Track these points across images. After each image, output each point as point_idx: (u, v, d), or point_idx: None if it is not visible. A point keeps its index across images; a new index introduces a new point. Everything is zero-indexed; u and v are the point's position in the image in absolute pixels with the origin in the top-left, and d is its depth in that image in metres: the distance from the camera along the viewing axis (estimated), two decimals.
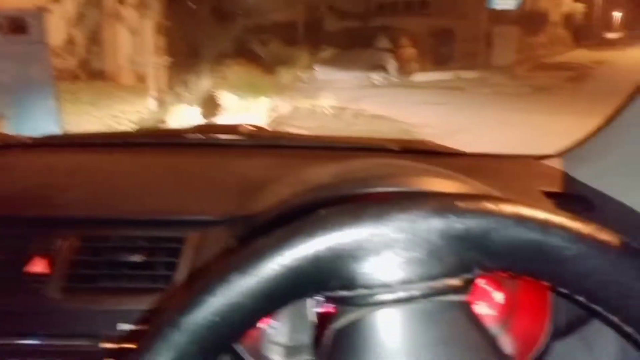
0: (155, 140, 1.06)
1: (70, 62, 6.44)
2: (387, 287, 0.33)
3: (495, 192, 0.60)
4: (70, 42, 6.43)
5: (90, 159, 0.96)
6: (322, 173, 0.64)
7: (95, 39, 6.60)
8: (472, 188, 0.54)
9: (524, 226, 0.32)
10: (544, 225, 0.32)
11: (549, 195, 0.77)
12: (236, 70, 6.08)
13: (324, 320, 0.59)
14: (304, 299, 0.35)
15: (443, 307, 0.34)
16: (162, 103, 7.14)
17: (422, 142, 1.15)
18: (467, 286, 0.34)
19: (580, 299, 0.34)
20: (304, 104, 6.38)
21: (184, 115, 6.12)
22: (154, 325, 0.33)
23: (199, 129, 1.14)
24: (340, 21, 16.15)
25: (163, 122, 5.95)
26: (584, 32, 24.16)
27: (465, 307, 0.35)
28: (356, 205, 0.33)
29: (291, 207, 0.56)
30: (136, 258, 0.68)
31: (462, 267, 0.33)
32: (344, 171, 0.61)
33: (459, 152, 1.05)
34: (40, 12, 4.56)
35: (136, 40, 7.02)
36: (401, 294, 0.33)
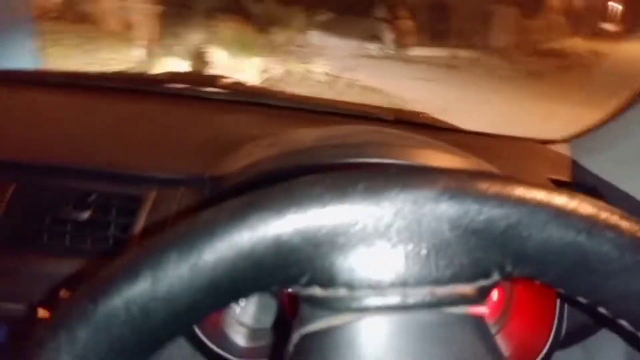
0: (123, 85, 0.95)
1: (56, 1, 6.14)
2: (375, 288, 0.24)
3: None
4: None
5: (46, 99, 0.86)
6: (306, 136, 0.55)
7: None
8: (488, 169, 0.46)
9: (566, 224, 0.24)
10: (593, 225, 0.24)
11: (557, 183, 0.69)
12: (229, 27, 5.86)
13: (290, 308, 0.51)
14: (264, 292, 0.27)
15: (448, 322, 0.25)
16: (151, 54, 6.88)
17: (418, 114, 1.06)
18: (482, 296, 0.26)
19: (624, 323, 0.26)
20: (297, 68, 6.20)
21: (172, 68, 5.91)
22: (72, 299, 0.25)
23: (174, 76, 1.03)
24: None
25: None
26: (582, 20, 24.03)
27: (479, 324, 0.26)
28: (342, 175, 0.25)
29: (263, 172, 0.47)
30: (84, 215, 0.59)
31: (477, 271, 0.25)
32: (331, 135, 0.52)
33: (457, 128, 0.97)
34: None
35: None
36: (393, 300, 0.24)
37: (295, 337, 0.27)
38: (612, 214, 0.25)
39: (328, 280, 0.24)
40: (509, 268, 0.25)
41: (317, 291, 0.25)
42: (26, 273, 0.58)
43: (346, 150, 0.44)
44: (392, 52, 12.23)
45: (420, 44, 12.99)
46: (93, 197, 0.60)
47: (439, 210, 0.24)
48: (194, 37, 7.08)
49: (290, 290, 0.26)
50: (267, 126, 0.90)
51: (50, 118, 0.78)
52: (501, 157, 0.80)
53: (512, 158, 0.81)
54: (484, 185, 0.24)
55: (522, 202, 0.24)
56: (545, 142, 0.88)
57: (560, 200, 0.24)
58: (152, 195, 0.59)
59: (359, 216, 0.24)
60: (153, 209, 0.58)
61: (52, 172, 0.62)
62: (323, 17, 7.86)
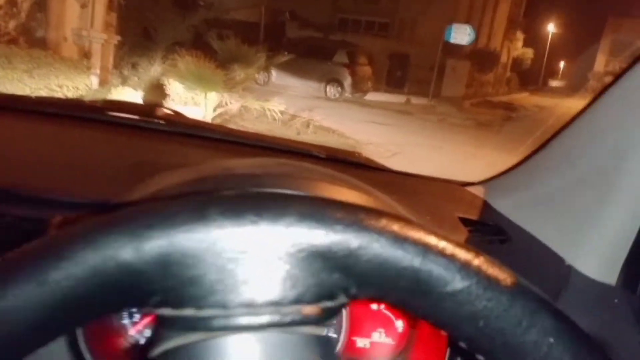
0: (58, 110, 0.94)
1: (10, 25, 6.00)
2: (223, 308, 0.25)
3: (400, 210, 0.55)
4: (12, 3, 6.00)
5: None
6: (216, 165, 0.56)
7: (40, 4, 6.19)
8: (374, 202, 0.48)
9: (403, 249, 0.26)
10: (427, 251, 0.26)
11: (466, 222, 0.73)
12: (188, 61, 5.86)
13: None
14: (119, 312, 0.27)
15: (293, 341, 0.26)
16: (104, 82, 6.79)
17: (351, 152, 1.09)
18: (327, 316, 0.27)
19: (463, 345, 0.28)
20: (254, 105, 6.25)
21: (125, 98, 5.83)
22: None
23: (114, 105, 1.03)
24: (302, 29, 16.20)
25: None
26: (530, 76, 25.50)
27: (324, 344, 0.28)
28: (197, 198, 0.26)
29: (155, 197, 0.47)
30: None
31: (322, 292, 0.26)
32: (239, 165, 0.54)
33: (385, 169, 1.01)
34: None
35: (85, 12, 6.66)
36: (240, 320, 0.25)
37: (149, 356, 0.28)
38: (446, 241, 0.27)
39: (177, 301, 0.25)
40: (353, 290, 0.26)
41: (167, 311, 0.25)
42: None
43: (244, 179, 0.46)
44: (349, 95, 12.57)
45: (377, 89, 13.44)
46: (5, 219, 0.59)
47: (288, 233, 0.25)
48: (152, 68, 7.06)
49: (143, 310, 0.26)
50: (197, 157, 0.90)
51: None
52: (418, 196, 0.83)
53: (429, 197, 0.85)
54: (330, 212, 0.26)
55: (363, 228, 0.26)
56: (464, 184, 0.93)
57: (398, 227, 0.26)
58: (57, 218, 0.58)
59: (211, 238, 0.25)
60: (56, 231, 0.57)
61: None
62: (284, 58, 8.01)
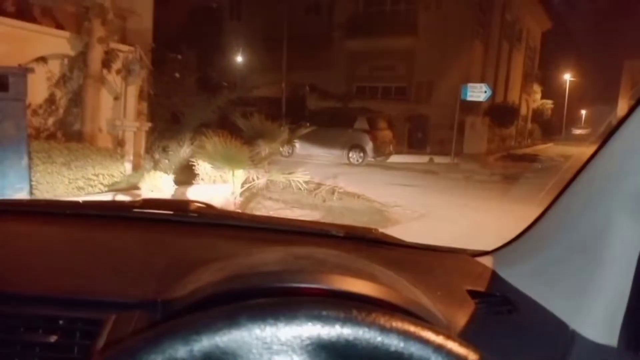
0: (98, 212, 1.06)
1: (49, 122, 6.46)
2: None
3: (409, 289, 0.62)
4: (51, 102, 6.49)
5: (20, 228, 0.95)
6: (246, 261, 0.65)
7: (76, 100, 6.67)
8: (383, 288, 0.56)
9: (387, 337, 0.34)
10: (406, 337, 0.34)
11: (473, 294, 0.78)
12: (215, 141, 6.14)
13: None
14: None
15: None
16: (137, 167, 7.15)
17: (368, 230, 1.17)
18: None
19: None
20: (280, 178, 6.45)
21: (158, 182, 6.10)
22: None
23: (146, 203, 1.14)
24: (321, 101, 16.83)
25: (136, 187, 5.92)
26: (553, 127, 25.51)
27: None
28: (230, 308, 0.35)
29: (205, 297, 0.56)
30: (51, 339, 0.66)
31: None
32: (260, 262, 0.63)
33: (400, 244, 1.08)
34: (23, 71, 4.64)
35: (117, 104, 7.13)
36: None
37: None
38: (422, 328, 0.34)
39: None
40: None
41: None
42: None
43: (267, 277, 0.55)
44: (372, 159, 12.82)
45: (399, 151, 13.67)
46: (61, 322, 0.67)
47: (299, 331, 0.34)
48: (181, 150, 7.42)
49: None
50: (227, 247, 1.00)
51: (24, 248, 0.87)
52: (429, 270, 0.90)
53: (440, 271, 0.91)
54: (331, 312, 0.34)
55: (356, 324, 0.34)
56: (475, 254, 0.99)
57: (384, 320, 0.34)
58: (112, 318, 0.66)
59: (242, 339, 0.33)
60: (112, 331, 0.65)
61: (25, 300, 0.70)
62: (307, 130, 8.30)
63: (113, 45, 6.80)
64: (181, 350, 0.33)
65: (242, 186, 6.14)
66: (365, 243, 1.07)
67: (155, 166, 7.26)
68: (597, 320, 0.69)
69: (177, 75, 8.82)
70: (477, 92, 13.39)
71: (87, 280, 0.76)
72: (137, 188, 5.84)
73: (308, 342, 0.33)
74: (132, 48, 7.13)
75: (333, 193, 7.32)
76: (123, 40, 7.20)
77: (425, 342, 0.34)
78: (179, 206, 1.15)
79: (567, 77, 26.82)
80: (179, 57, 9.09)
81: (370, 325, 0.34)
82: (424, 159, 13.48)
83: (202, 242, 0.97)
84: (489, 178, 10.89)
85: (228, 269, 0.62)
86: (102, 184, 5.92)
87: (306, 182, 6.42)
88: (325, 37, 18.29)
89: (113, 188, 5.76)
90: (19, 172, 4.60)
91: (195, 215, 1.10)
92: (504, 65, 19.50)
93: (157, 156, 7.67)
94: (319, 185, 7.43)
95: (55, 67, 6.44)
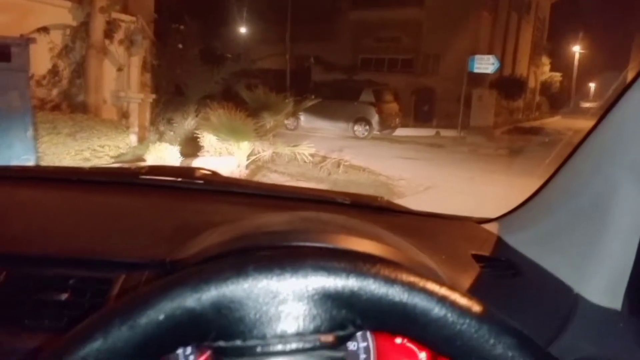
0: (105, 179, 1.06)
1: (53, 93, 6.44)
2: (260, 339, 0.34)
3: (414, 252, 0.62)
4: (54, 73, 6.46)
5: (32, 194, 0.96)
6: (251, 223, 0.66)
7: (79, 71, 6.63)
8: (387, 248, 0.56)
9: (391, 287, 0.34)
10: (410, 288, 0.34)
11: (479, 258, 0.79)
12: (219, 113, 6.12)
13: None
14: (187, 346, 0.36)
15: None
16: (142, 139, 7.15)
17: (374, 198, 1.17)
18: (340, 342, 0.35)
19: None
20: (285, 150, 6.44)
21: (163, 153, 6.12)
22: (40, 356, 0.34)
23: (152, 169, 1.15)
24: (327, 73, 16.67)
25: (142, 159, 5.94)
26: (561, 100, 25.22)
27: None
28: (236, 258, 0.35)
29: (210, 255, 0.57)
30: (62, 297, 0.68)
31: (334, 324, 0.35)
32: (270, 222, 0.63)
33: (405, 211, 1.08)
34: (25, 42, 4.60)
35: (121, 75, 7.09)
36: (272, 348, 0.34)
37: None
38: (426, 281, 0.35)
39: (228, 335, 0.34)
40: (359, 322, 0.35)
41: (221, 343, 0.35)
42: (8, 349, 0.65)
43: (273, 236, 0.56)
44: (378, 133, 12.75)
45: (405, 124, 13.58)
46: (71, 281, 0.69)
47: (305, 281, 0.34)
48: (186, 122, 7.40)
49: (205, 343, 0.35)
50: (233, 213, 1.00)
51: (36, 212, 0.88)
52: (435, 236, 0.90)
53: (445, 237, 0.91)
54: (336, 262, 0.35)
55: (361, 274, 0.34)
56: (480, 221, 0.99)
57: (388, 271, 0.34)
58: (121, 278, 0.68)
59: (249, 288, 0.34)
60: (121, 290, 0.67)
61: (38, 261, 0.72)
62: (312, 102, 8.25)
63: (115, 15, 6.72)
64: (190, 299, 0.33)
65: (247, 158, 6.15)
66: (371, 210, 1.07)
67: (160, 138, 7.27)
68: (601, 285, 0.70)
69: (180, 46, 8.73)
70: (485, 64, 13.21)
71: (97, 242, 0.77)
72: (143, 160, 5.86)
73: (314, 292, 0.34)
74: (134, 18, 7.05)
75: (338, 166, 7.32)
76: (125, 10, 7.11)
77: (429, 293, 0.34)
78: (186, 173, 1.15)
79: (576, 49, 26.38)
80: (182, 27, 8.98)
81: (375, 276, 0.34)
82: (431, 132, 13.40)
83: (208, 208, 0.98)
84: (495, 152, 10.84)
85: (235, 230, 0.63)
86: (108, 155, 5.93)
87: (311, 155, 6.42)
88: (330, 8, 18.00)
89: (119, 160, 5.77)
90: (25, 143, 4.62)
91: (202, 182, 1.10)
92: (512, 37, 19.16)
93: (162, 128, 7.67)
94: (324, 158, 7.42)
95: (57, 38, 6.39)
